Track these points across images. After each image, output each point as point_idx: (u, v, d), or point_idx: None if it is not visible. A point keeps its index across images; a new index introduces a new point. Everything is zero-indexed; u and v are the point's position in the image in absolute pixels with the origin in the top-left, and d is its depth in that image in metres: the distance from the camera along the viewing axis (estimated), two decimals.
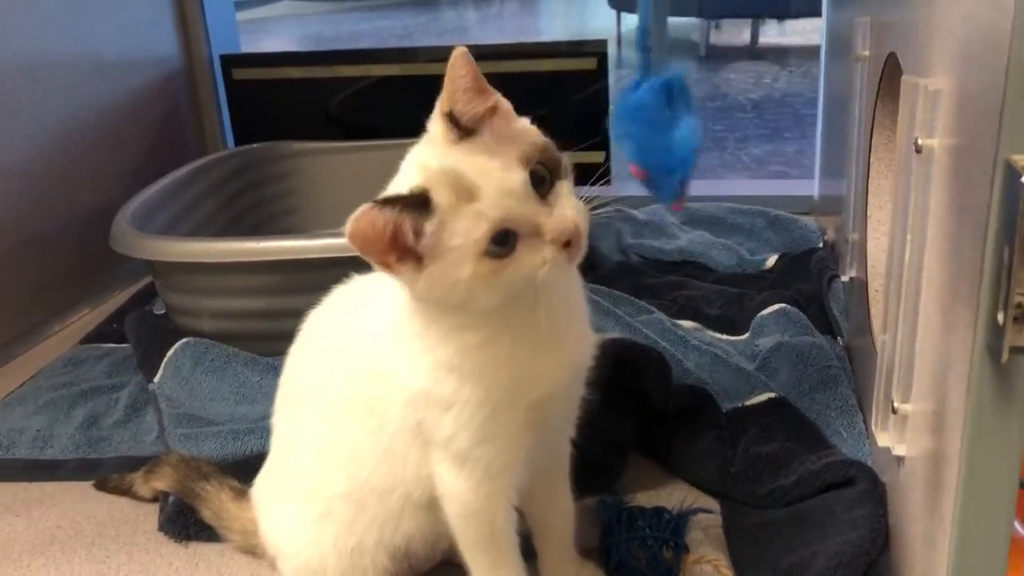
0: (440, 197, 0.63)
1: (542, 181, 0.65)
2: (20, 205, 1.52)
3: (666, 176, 1.11)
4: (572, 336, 0.74)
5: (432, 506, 0.76)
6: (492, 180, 0.63)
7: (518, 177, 0.64)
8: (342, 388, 0.78)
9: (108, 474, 1.10)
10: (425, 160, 0.66)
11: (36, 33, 1.57)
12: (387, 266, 0.64)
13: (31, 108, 1.55)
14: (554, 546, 0.86)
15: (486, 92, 0.67)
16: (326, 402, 0.80)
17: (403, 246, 0.63)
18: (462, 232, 0.63)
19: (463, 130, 0.66)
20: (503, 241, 0.63)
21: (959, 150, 0.61)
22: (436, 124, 0.67)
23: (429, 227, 0.63)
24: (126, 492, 1.07)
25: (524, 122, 0.69)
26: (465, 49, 0.66)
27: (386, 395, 0.74)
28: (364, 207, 0.61)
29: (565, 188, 0.66)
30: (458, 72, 0.66)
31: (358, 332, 0.78)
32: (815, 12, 3.81)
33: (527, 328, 0.68)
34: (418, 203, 0.63)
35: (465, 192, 0.63)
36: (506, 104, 0.69)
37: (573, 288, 0.75)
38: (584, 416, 0.98)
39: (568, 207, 0.65)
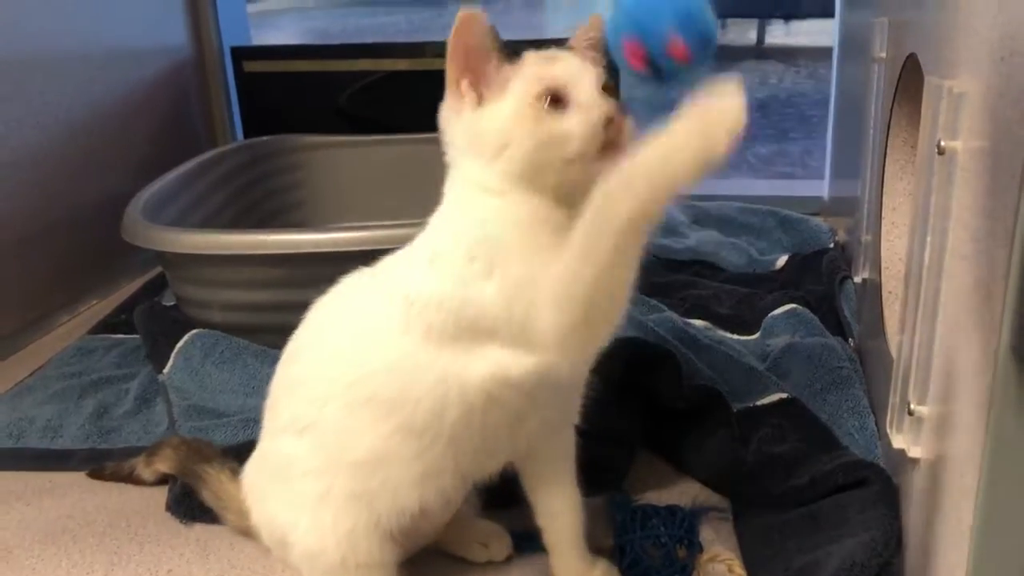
0: (529, 58, 0.73)
1: (607, 91, 0.71)
2: (31, 195, 1.52)
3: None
4: None
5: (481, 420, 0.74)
6: (574, 62, 0.73)
7: (593, 68, 0.72)
8: (374, 342, 0.76)
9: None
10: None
11: (48, 24, 1.57)
12: (457, 83, 0.72)
13: (43, 99, 1.55)
14: (564, 542, 0.86)
15: (599, 52, 0.76)
16: (352, 366, 0.77)
17: (480, 74, 0.71)
18: (531, 76, 0.71)
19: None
20: (556, 103, 0.69)
21: (986, 152, 0.61)
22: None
23: (508, 70, 0.71)
24: (127, 478, 1.08)
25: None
26: (599, 15, 0.75)
27: (426, 317, 0.72)
28: (475, 11, 0.69)
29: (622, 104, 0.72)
30: (589, 27, 0.76)
31: (382, 284, 0.78)
32: (822, 13, 3.82)
33: (551, 219, 0.70)
34: (512, 55, 0.72)
35: (551, 58, 0.73)
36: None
37: None
38: (592, 413, 0.98)
39: (620, 106, 0.70)
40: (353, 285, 0.83)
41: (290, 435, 0.82)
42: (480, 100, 0.72)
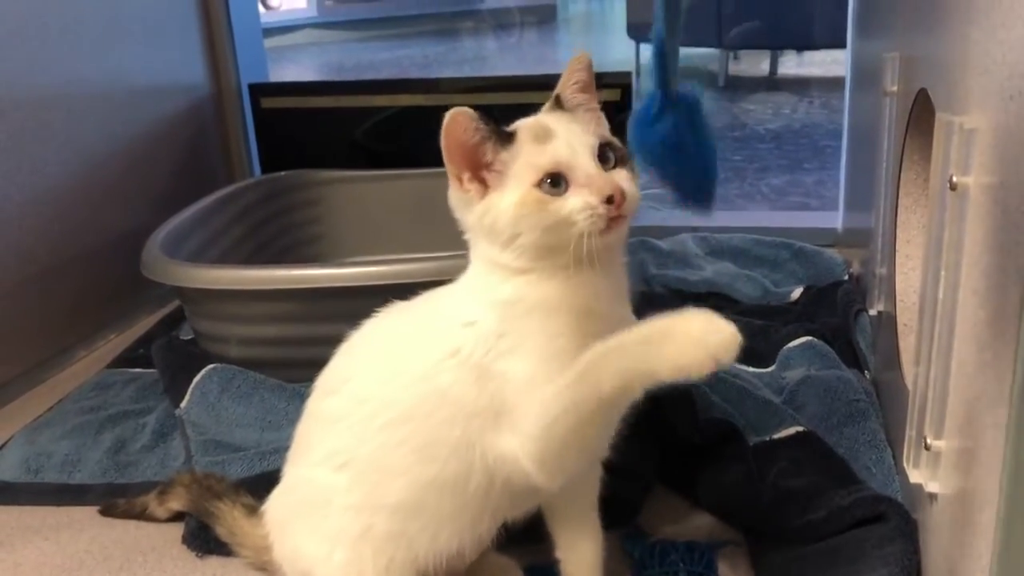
0: (523, 136, 0.74)
1: (607, 159, 0.74)
2: (52, 230, 1.54)
3: (698, 193, 1.14)
4: (623, 309, 0.78)
5: (501, 489, 0.76)
6: (567, 132, 0.75)
7: (588, 138, 0.74)
8: (407, 387, 0.78)
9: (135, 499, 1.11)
10: (523, 119, 0.78)
11: (69, 62, 1.60)
12: (459, 179, 0.74)
13: (64, 135, 1.58)
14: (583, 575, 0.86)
15: (591, 93, 0.80)
16: (389, 407, 0.79)
17: (479, 165, 0.74)
18: (528, 161, 0.73)
19: (564, 111, 0.79)
20: (557, 184, 0.72)
21: (997, 188, 0.61)
22: (547, 104, 0.79)
23: (505, 155, 0.74)
24: (139, 515, 1.08)
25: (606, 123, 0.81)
26: (586, 54, 0.80)
27: (458, 377, 0.75)
28: (463, 108, 0.71)
29: (625, 171, 0.75)
30: (575, 68, 0.79)
31: (418, 330, 0.80)
32: (835, 44, 3.84)
33: (576, 292, 0.73)
34: (505, 136, 0.74)
35: (543, 135, 0.74)
36: (599, 111, 0.80)
37: (616, 286, 0.78)
38: (609, 448, 0.98)
39: (621, 177, 0.73)
40: (391, 322, 0.84)
41: (327, 469, 0.82)
42: (485, 189, 0.74)
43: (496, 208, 0.73)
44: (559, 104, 0.79)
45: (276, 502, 0.90)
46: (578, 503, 0.84)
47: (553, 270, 0.73)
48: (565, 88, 0.79)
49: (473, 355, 0.74)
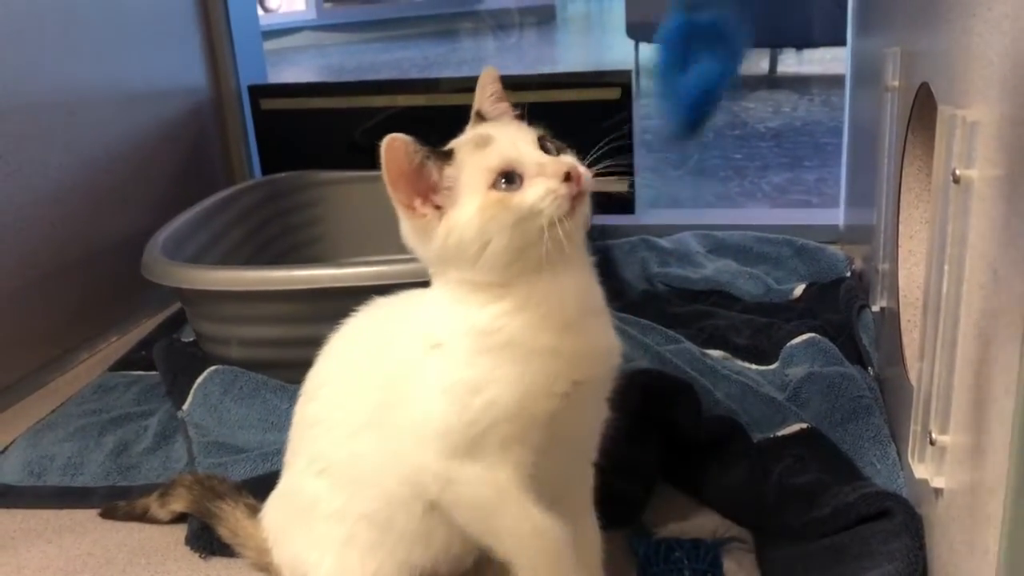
0: (463, 149, 0.74)
1: (548, 151, 0.74)
2: (53, 233, 1.53)
3: (672, 114, 1.13)
4: (596, 329, 0.77)
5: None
6: (506, 132, 0.75)
7: (526, 133, 0.75)
8: (371, 396, 0.79)
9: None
10: (456, 138, 0.77)
11: (70, 65, 1.60)
12: (411, 207, 0.72)
13: (64, 138, 1.57)
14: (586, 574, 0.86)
15: (505, 101, 0.81)
16: (354, 415, 0.80)
17: (427, 189, 0.72)
18: (476, 168, 0.72)
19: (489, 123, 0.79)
20: (511, 180, 0.71)
21: (1002, 181, 0.61)
22: (470, 124, 0.79)
23: (450, 170, 0.72)
24: (140, 517, 1.07)
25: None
26: (493, 68, 0.80)
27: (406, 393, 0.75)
28: (396, 135, 0.70)
29: (570, 155, 0.74)
30: (487, 82, 0.80)
31: (389, 340, 0.80)
32: (834, 41, 3.83)
33: (553, 301, 0.73)
34: (444, 154, 0.73)
35: (483, 141, 0.73)
36: (519, 116, 0.81)
37: (587, 280, 0.77)
38: (611, 446, 0.97)
39: (570, 158, 0.73)
40: (365, 327, 0.84)
41: (310, 475, 0.83)
42: (440, 211, 0.72)
43: (459, 222, 0.71)
44: (481, 119, 0.79)
45: (272, 507, 0.90)
46: (572, 504, 0.83)
47: (526, 277, 0.72)
48: (483, 103, 0.80)
49: (430, 376, 0.74)
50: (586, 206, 0.73)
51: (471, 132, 0.77)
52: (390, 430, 0.77)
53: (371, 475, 0.78)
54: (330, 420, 0.83)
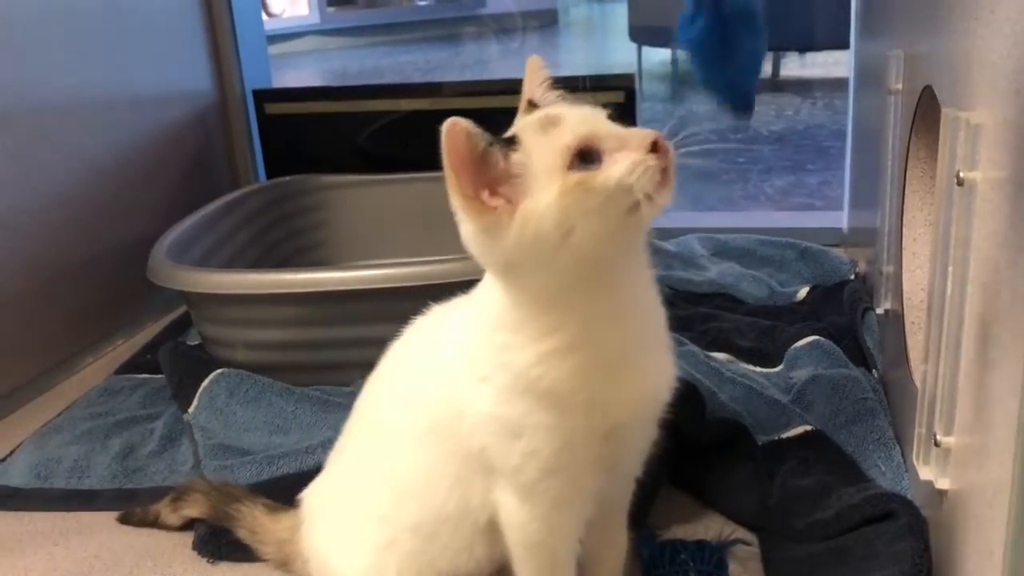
0: (528, 134, 0.65)
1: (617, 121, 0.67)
2: (59, 238, 1.54)
3: (731, 101, 1.15)
4: (649, 367, 0.72)
5: (494, 530, 0.76)
6: (573, 111, 0.66)
7: (597, 109, 0.66)
8: (416, 415, 0.78)
9: (145, 504, 1.11)
10: (514, 124, 0.69)
11: (75, 70, 1.60)
12: (477, 200, 0.63)
13: (70, 142, 1.58)
14: None
15: (555, 89, 0.73)
16: (401, 431, 0.80)
17: (492, 180, 0.63)
18: (547, 150, 0.63)
19: None
20: (588, 159, 0.63)
21: (1005, 183, 0.61)
22: (520, 114, 0.72)
23: (517, 156, 0.64)
24: (152, 523, 1.08)
25: None
26: (538, 56, 0.74)
27: (455, 419, 0.73)
28: (458, 118, 0.61)
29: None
30: (535, 68, 0.74)
31: (432, 359, 0.78)
32: (837, 45, 3.83)
33: (613, 334, 0.67)
34: (507, 141, 0.65)
35: (551, 122, 0.65)
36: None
37: (652, 301, 0.73)
38: None
39: (648, 130, 0.64)
40: (421, 337, 0.82)
41: (357, 474, 0.84)
42: (511, 203, 0.63)
43: (537, 211, 0.62)
44: (534, 107, 0.71)
45: (315, 491, 0.90)
46: (610, 514, 0.83)
47: (594, 295, 0.66)
48: (534, 90, 0.73)
49: (478, 407, 0.71)
50: (673, 186, 0.64)
51: (533, 115, 0.68)
52: (448, 452, 0.75)
53: (423, 488, 0.78)
54: (379, 427, 0.83)
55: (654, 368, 0.72)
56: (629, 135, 0.63)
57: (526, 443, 0.69)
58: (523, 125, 0.67)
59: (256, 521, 0.96)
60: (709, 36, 1.11)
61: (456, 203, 0.64)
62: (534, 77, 0.73)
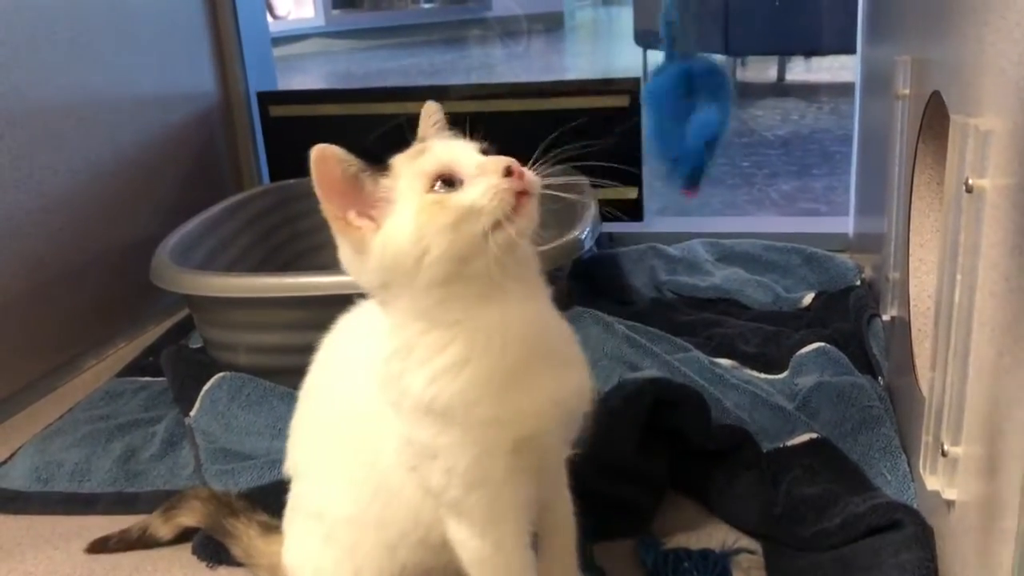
0: (400, 161, 0.69)
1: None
2: (62, 239, 1.54)
3: (677, 165, 1.11)
4: (549, 379, 0.71)
5: (431, 545, 0.76)
6: (441, 142, 0.71)
7: (468, 143, 0.71)
8: (339, 420, 0.80)
9: (144, 509, 1.09)
10: None
11: (79, 72, 1.60)
12: (343, 220, 0.68)
13: (73, 144, 1.58)
14: (557, 567, 0.83)
15: (448, 131, 0.76)
16: (328, 430, 0.81)
17: (362, 202, 0.68)
18: (412, 174, 0.67)
19: None
20: (450, 184, 0.66)
21: (1014, 190, 0.60)
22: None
23: (386, 181, 0.68)
24: (134, 543, 1.05)
25: None
26: (435, 102, 0.78)
27: (375, 434, 0.74)
28: (325, 145, 0.66)
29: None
30: (429, 113, 0.77)
31: (352, 368, 0.79)
32: (843, 49, 3.83)
33: (501, 350, 0.68)
34: (380, 168, 0.69)
35: (419, 152, 0.69)
36: None
37: (540, 313, 0.72)
38: (619, 454, 0.97)
39: (505, 157, 0.67)
40: (348, 335, 0.84)
41: (301, 474, 0.85)
42: (376, 223, 0.67)
43: (395, 230, 0.66)
44: None
45: (287, 512, 0.90)
46: (548, 495, 0.81)
47: (473, 307, 0.67)
48: (426, 131, 0.76)
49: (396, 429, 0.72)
50: (534, 212, 0.66)
51: (411, 147, 0.72)
52: (371, 465, 0.76)
53: (345, 487, 0.79)
54: (316, 427, 0.84)
55: (556, 381, 0.71)
56: (487, 161, 0.67)
57: (442, 462, 0.70)
58: (398, 155, 0.71)
59: (251, 542, 0.96)
60: (671, 88, 1.10)
61: (328, 221, 0.69)
62: (428, 119, 0.77)
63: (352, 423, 0.78)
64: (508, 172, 0.65)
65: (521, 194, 0.65)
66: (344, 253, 0.70)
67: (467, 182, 0.66)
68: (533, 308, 0.71)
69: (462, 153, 0.68)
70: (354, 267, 0.70)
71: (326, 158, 0.66)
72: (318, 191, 0.67)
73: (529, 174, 0.67)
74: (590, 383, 0.75)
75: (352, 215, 0.68)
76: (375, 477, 0.76)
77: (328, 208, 0.67)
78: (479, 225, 0.64)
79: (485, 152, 0.69)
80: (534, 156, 0.70)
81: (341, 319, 0.85)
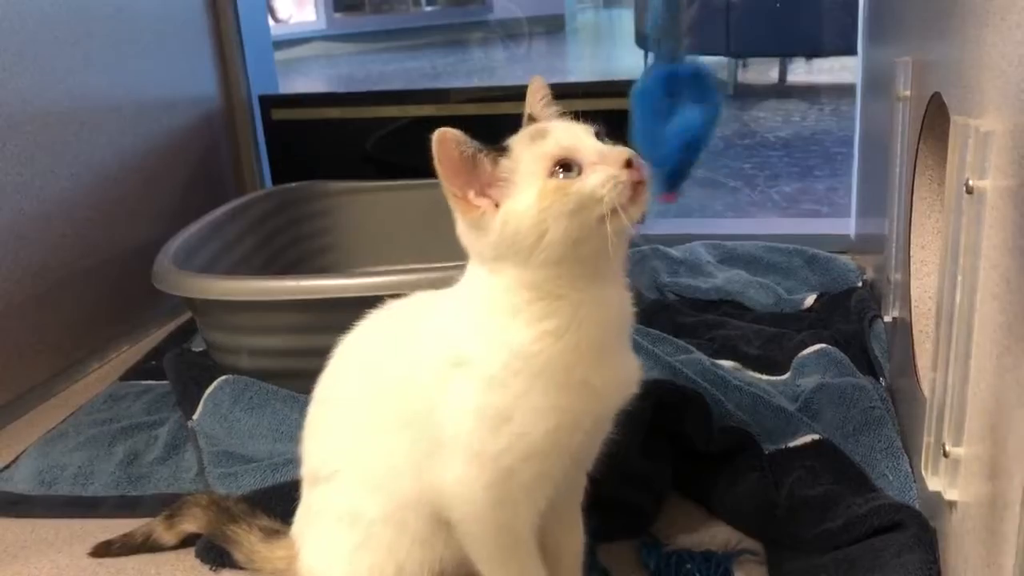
0: (518, 144, 0.72)
1: (604, 143, 0.72)
2: (64, 244, 1.54)
3: (655, 167, 1.10)
4: (623, 357, 0.77)
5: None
6: (562, 125, 0.74)
7: (584, 126, 0.73)
8: (381, 403, 0.79)
9: (147, 512, 1.09)
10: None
11: (81, 76, 1.61)
12: (465, 199, 0.71)
13: (76, 148, 1.58)
14: (565, 567, 0.85)
15: (555, 106, 0.79)
16: (364, 420, 0.80)
17: (482, 182, 0.71)
18: (533, 157, 0.70)
19: None
20: (569, 169, 0.69)
21: (1015, 191, 0.60)
22: (523, 128, 0.77)
23: (506, 162, 0.71)
24: (139, 547, 1.04)
25: None
26: (541, 77, 0.80)
27: (424, 407, 0.74)
28: (447, 128, 0.69)
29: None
30: (536, 88, 0.80)
31: (397, 348, 0.79)
32: (844, 51, 3.83)
33: (596, 324, 0.72)
34: (499, 150, 0.72)
35: (540, 134, 0.72)
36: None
37: (626, 297, 0.76)
38: (621, 456, 0.96)
39: (625, 148, 0.71)
40: (384, 327, 0.84)
41: (321, 482, 0.83)
42: (495, 202, 0.71)
43: (516, 211, 0.69)
44: (534, 121, 0.78)
45: (296, 516, 0.90)
46: (564, 509, 0.83)
47: (579, 285, 0.71)
48: (534, 107, 0.79)
49: (457, 396, 0.73)
50: (647, 195, 0.70)
51: (527, 128, 0.75)
52: (412, 442, 0.76)
53: (383, 478, 0.78)
54: (343, 424, 0.83)
55: (628, 362, 0.78)
56: (608, 151, 0.70)
57: (516, 426, 0.71)
58: (516, 136, 0.74)
59: (253, 548, 0.95)
60: (653, 89, 1.09)
61: (449, 199, 0.71)
62: (536, 94, 0.79)
63: (396, 404, 0.78)
64: (628, 164, 0.69)
65: (637, 184, 0.69)
66: (460, 226, 0.73)
67: (586, 168, 0.69)
68: (623, 292, 0.76)
69: (582, 139, 0.71)
70: (468, 239, 0.73)
71: (446, 140, 0.69)
72: (439, 171, 0.69)
73: (645, 167, 0.70)
74: (641, 368, 0.79)
75: (472, 194, 0.71)
76: (418, 457, 0.76)
77: (449, 187, 0.70)
78: (597, 212, 0.68)
79: (598, 135, 0.73)
80: None
81: (365, 319, 0.85)
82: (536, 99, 0.79)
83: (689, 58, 1.11)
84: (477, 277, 0.75)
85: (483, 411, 0.72)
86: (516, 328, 0.71)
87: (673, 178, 1.10)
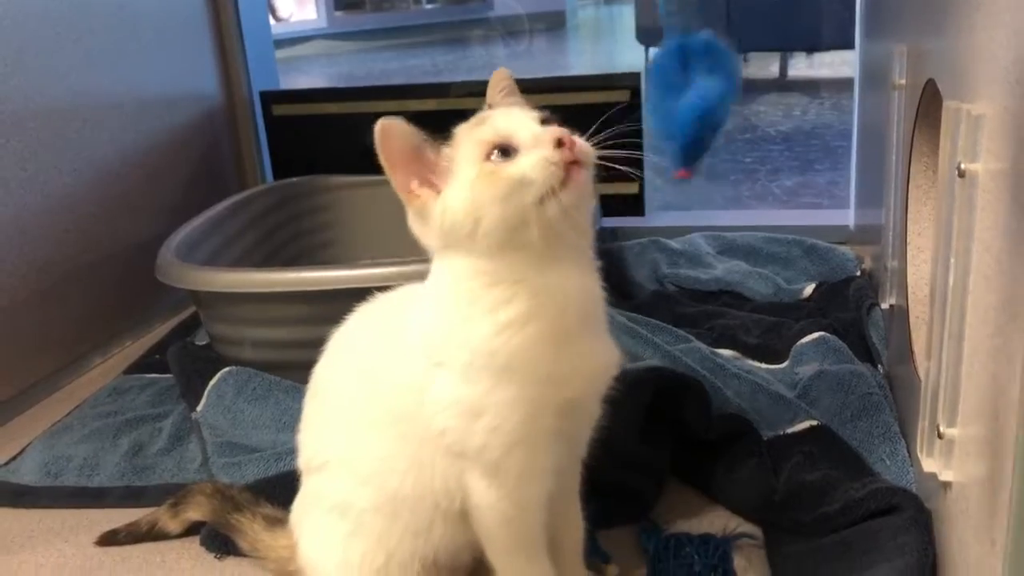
0: (461, 131, 0.72)
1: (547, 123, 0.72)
2: (67, 239, 1.55)
3: (667, 141, 1.10)
4: (594, 344, 0.75)
5: (462, 515, 0.77)
6: (504, 110, 0.74)
7: (528, 111, 0.73)
8: (371, 398, 0.79)
9: (152, 502, 1.10)
10: None
11: (83, 72, 1.62)
12: (408, 190, 0.71)
13: (78, 144, 1.59)
14: (566, 563, 0.85)
15: (516, 96, 0.80)
16: (354, 414, 0.81)
17: (426, 171, 0.71)
18: (470, 143, 0.70)
19: None
20: (506, 153, 0.68)
21: (1006, 174, 0.61)
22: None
23: (447, 150, 0.71)
24: (144, 536, 1.06)
25: None
26: (505, 69, 0.81)
27: (413, 403, 0.74)
28: (390, 117, 0.70)
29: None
30: (498, 79, 0.80)
31: (390, 345, 0.79)
32: (844, 45, 3.83)
33: (558, 311, 0.71)
34: (443, 138, 0.72)
35: (480, 121, 0.72)
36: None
37: (592, 283, 0.75)
38: (621, 442, 0.98)
39: (558, 127, 0.69)
40: (366, 326, 0.84)
41: (317, 470, 0.84)
42: (436, 193, 0.71)
43: (452, 199, 0.69)
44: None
45: (294, 505, 0.91)
46: (562, 497, 0.83)
47: (534, 270, 0.70)
48: (494, 97, 0.79)
49: (436, 392, 0.73)
50: (587, 184, 0.69)
51: (473, 117, 0.75)
52: (403, 436, 0.77)
53: (372, 472, 0.79)
54: (335, 417, 0.83)
55: (599, 348, 0.76)
56: (541, 132, 0.69)
57: (488, 420, 0.71)
58: (461, 125, 0.74)
59: (256, 536, 0.96)
60: (667, 63, 1.10)
61: (395, 190, 0.72)
62: (496, 86, 0.80)
63: (386, 400, 0.78)
64: (559, 143, 0.67)
65: (572, 165, 0.67)
66: (409, 219, 0.73)
67: (521, 152, 0.68)
68: (588, 277, 0.74)
69: (520, 122, 0.70)
70: (418, 231, 0.73)
71: (389, 131, 0.69)
72: (383, 162, 0.70)
73: (582, 144, 0.69)
74: (618, 353, 0.78)
75: (415, 184, 0.71)
76: (409, 450, 0.76)
77: (393, 178, 0.71)
78: (528, 197, 0.67)
79: (545, 121, 0.71)
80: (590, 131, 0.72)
81: (355, 312, 0.85)
82: (496, 90, 0.79)
83: (702, 31, 1.12)
84: (438, 267, 0.75)
85: (456, 407, 0.72)
86: (476, 319, 0.70)
87: (687, 152, 1.10)
